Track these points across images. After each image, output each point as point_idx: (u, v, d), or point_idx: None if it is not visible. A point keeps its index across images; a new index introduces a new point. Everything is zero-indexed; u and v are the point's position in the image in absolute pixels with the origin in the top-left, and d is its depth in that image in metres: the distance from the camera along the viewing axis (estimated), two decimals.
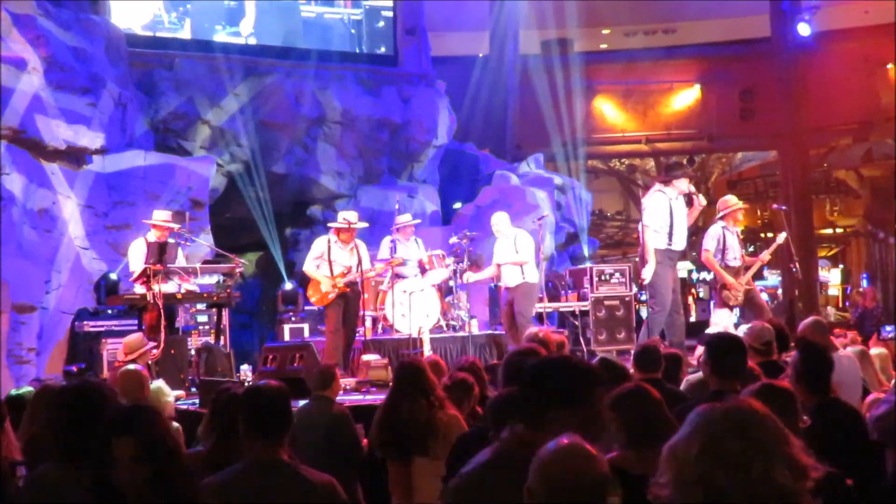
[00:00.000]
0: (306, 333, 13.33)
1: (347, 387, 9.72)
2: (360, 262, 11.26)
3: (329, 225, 11.94)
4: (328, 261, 11.22)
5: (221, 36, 16.27)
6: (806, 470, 2.18)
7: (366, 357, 10.84)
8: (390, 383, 5.80)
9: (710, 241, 11.40)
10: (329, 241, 11.35)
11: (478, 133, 19.00)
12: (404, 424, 5.82)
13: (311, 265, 11.33)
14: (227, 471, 3.81)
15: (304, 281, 12.65)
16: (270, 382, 4.08)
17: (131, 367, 6.81)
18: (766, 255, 11.86)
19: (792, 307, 19.31)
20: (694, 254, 24.98)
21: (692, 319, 17.87)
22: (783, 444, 2.17)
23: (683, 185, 11.07)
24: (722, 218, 11.40)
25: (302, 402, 7.10)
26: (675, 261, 11.06)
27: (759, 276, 13.11)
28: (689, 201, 11.21)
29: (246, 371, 10.71)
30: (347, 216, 11.54)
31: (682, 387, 6.70)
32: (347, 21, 17.53)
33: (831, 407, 5.00)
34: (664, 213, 10.89)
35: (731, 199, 11.63)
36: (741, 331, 7.49)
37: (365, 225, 12.50)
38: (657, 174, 12.08)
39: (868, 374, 7.72)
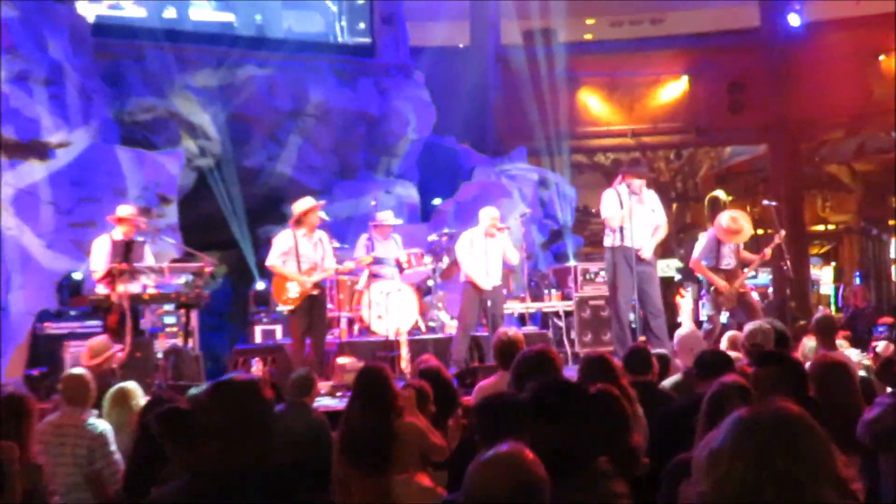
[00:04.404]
0: (279, 335, 13.26)
1: (322, 391, 9.66)
2: (324, 257, 11.12)
3: (294, 208, 11.24)
4: (295, 256, 11.03)
5: (204, 11, 16.20)
6: (847, 486, 2.13)
7: (341, 360, 10.77)
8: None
9: (698, 247, 11.57)
10: (295, 236, 11.07)
11: (458, 126, 18.94)
12: (363, 435, 5.76)
13: (278, 260, 10.98)
14: (173, 485, 3.73)
15: None
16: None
17: (76, 370, 6.78)
18: (768, 252, 11.87)
19: (783, 306, 19.33)
20: (682, 251, 25.04)
21: (680, 320, 17.83)
22: (832, 461, 2.11)
23: (635, 183, 11.12)
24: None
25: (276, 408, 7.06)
26: (634, 260, 11.03)
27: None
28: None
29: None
30: (305, 201, 11.23)
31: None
32: None
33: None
34: (613, 209, 10.99)
35: (744, 225, 11.50)
36: (744, 330, 7.56)
37: (325, 217, 12.38)
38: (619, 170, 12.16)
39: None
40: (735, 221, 11.45)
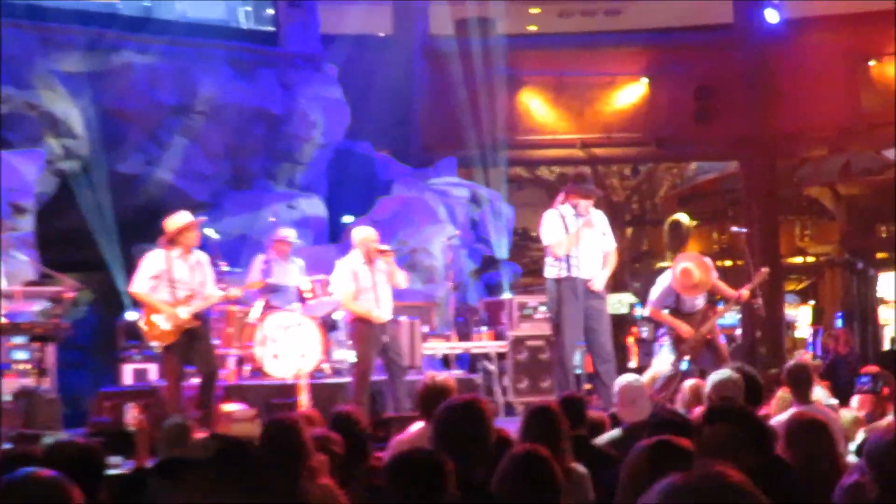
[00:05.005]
0: (153, 376, 13.12)
1: None
2: (204, 283, 10.98)
3: (167, 225, 10.92)
4: (169, 281, 10.87)
5: None
6: None
7: (228, 407, 10.68)
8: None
9: (656, 291, 11.64)
10: (168, 257, 10.84)
11: (375, 131, 18.94)
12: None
13: (145, 285, 10.71)
14: None
15: None
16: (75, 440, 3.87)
17: None
18: (744, 293, 11.86)
19: (753, 351, 19.56)
20: (637, 285, 25.24)
21: (632, 365, 18.00)
22: None
23: (582, 204, 11.12)
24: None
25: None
26: (587, 291, 11.06)
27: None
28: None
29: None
30: (181, 216, 11.03)
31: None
32: None
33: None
34: (557, 233, 11.02)
35: (700, 277, 11.50)
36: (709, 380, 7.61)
37: (214, 235, 12.20)
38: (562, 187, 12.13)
39: None
40: (688, 276, 11.39)
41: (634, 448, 4.07)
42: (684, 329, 11.32)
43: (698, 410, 7.36)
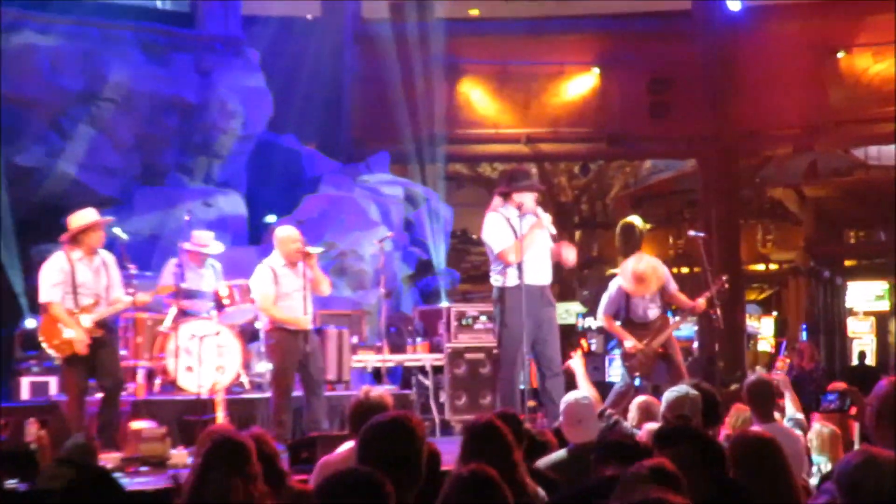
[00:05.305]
0: (53, 390, 12.99)
1: (108, 466, 9.47)
2: (109, 287, 10.88)
3: (70, 222, 10.97)
4: (71, 286, 10.75)
5: None
6: None
7: (136, 424, 10.59)
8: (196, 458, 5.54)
9: (605, 297, 11.71)
10: (71, 260, 10.81)
11: (301, 122, 18.90)
12: None
13: (56, 292, 10.70)
14: None
15: None
16: None
17: None
18: (701, 303, 11.94)
19: (711, 366, 19.68)
20: (585, 293, 25.33)
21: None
22: None
23: (528, 201, 11.03)
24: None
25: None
26: (539, 299, 11.03)
27: None
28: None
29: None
30: (85, 215, 11.03)
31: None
32: None
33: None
34: (506, 237, 10.94)
35: (646, 275, 11.63)
36: (664, 398, 7.64)
37: (122, 236, 12.10)
38: (499, 185, 11.94)
39: None
40: (642, 276, 11.58)
41: (629, 471, 4.11)
42: (629, 343, 11.39)
43: (647, 427, 7.41)
